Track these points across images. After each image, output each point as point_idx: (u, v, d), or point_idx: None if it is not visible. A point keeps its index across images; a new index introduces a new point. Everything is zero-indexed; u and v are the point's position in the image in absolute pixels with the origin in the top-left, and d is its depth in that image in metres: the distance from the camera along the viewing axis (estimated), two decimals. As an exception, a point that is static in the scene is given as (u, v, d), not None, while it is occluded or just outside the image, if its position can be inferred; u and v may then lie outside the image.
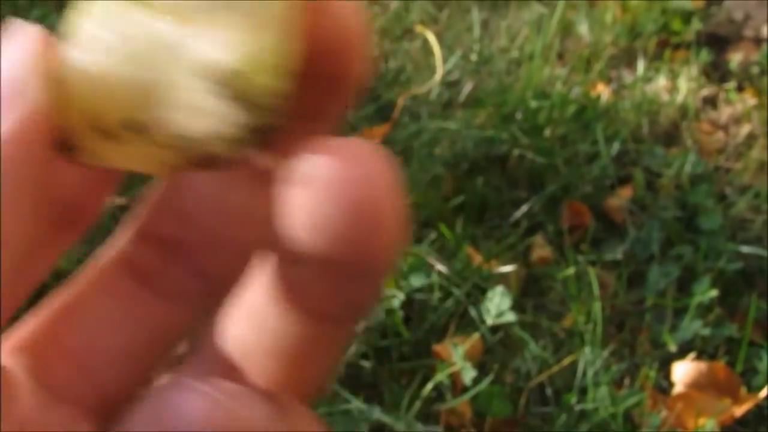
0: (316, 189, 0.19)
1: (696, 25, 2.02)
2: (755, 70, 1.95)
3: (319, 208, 0.19)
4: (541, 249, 1.42)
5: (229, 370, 0.22)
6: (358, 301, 0.21)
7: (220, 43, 0.19)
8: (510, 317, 1.22)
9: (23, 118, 0.19)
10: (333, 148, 0.19)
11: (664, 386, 1.24)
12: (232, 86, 0.19)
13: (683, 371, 1.16)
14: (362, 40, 0.21)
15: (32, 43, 0.20)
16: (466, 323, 1.28)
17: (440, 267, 1.30)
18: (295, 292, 0.21)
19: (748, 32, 2.24)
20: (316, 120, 0.22)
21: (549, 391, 1.22)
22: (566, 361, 1.23)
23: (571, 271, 1.32)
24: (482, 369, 1.23)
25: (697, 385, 1.14)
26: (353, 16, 0.21)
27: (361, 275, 0.20)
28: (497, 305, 1.23)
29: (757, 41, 2.14)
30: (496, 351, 1.25)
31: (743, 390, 1.20)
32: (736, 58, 2.00)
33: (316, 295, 0.21)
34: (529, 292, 1.37)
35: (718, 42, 2.16)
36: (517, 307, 1.31)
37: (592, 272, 1.32)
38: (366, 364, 1.23)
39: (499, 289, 1.24)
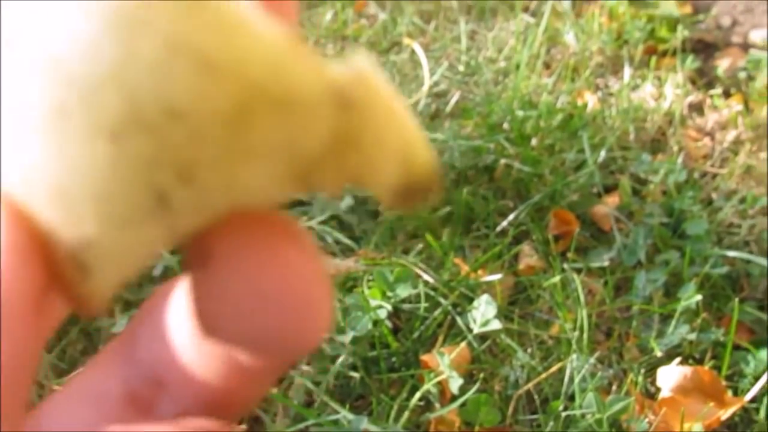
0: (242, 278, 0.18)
1: (683, 32, 2.03)
2: (742, 75, 1.96)
3: (244, 297, 0.18)
4: (528, 258, 1.43)
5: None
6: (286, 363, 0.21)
7: None
8: (495, 325, 1.23)
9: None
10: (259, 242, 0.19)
11: (651, 391, 1.25)
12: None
13: (668, 376, 1.17)
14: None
15: None
16: (455, 333, 1.29)
17: (427, 277, 1.31)
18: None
19: (736, 38, 2.25)
20: None
21: (537, 398, 1.23)
22: (554, 368, 1.24)
23: (556, 279, 1.33)
24: (471, 378, 1.24)
25: (682, 389, 1.15)
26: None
27: (286, 354, 0.20)
28: (483, 314, 1.23)
29: (745, 47, 2.16)
30: (484, 359, 1.26)
31: (729, 393, 1.21)
32: (723, 64, 2.01)
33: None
34: (518, 300, 1.38)
35: (705, 48, 2.17)
36: (505, 315, 1.32)
37: (578, 280, 1.33)
38: (355, 374, 1.24)
39: (484, 297, 1.25)
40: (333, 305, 0.19)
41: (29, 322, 0.18)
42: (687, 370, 1.16)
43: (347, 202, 1.49)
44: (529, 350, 1.28)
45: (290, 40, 0.18)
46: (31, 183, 0.17)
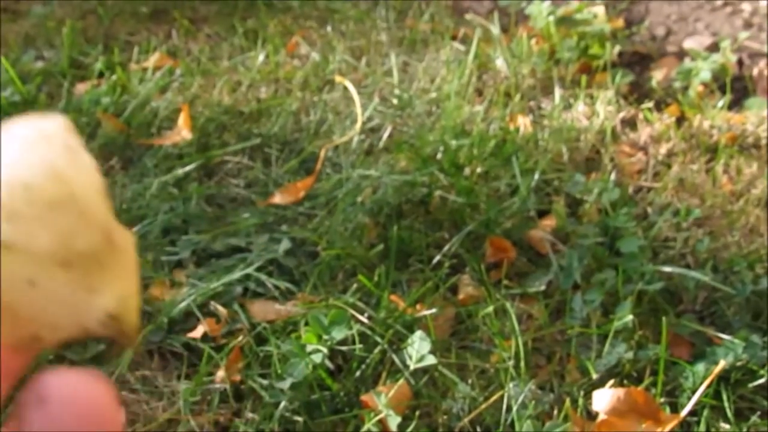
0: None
1: (615, 46, 2.05)
2: (677, 85, 1.98)
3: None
4: (467, 287, 1.44)
5: None
6: None
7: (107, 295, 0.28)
8: (431, 360, 1.24)
9: None
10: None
11: (594, 414, 1.25)
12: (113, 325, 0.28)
13: (602, 399, 1.18)
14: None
15: None
16: (396, 369, 1.29)
17: (362, 318, 1.32)
18: None
19: (671, 48, 2.28)
20: None
21: (479, 429, 1.23)
22: (493, 398, 1.24)
23: (490, 308, 1.34)
24: (415, 413, 1.24)
25: (617, 411, 1.16)
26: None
27: None
28: (417, 350, 1.24)
29: (681, 56, 2.18)
30: (425, 394, 1.27)
31: (667, 410, 1.22)
32: (657, 76, 2.03)
33: None
34: (459, 331, 1.39)
35: (642, 60, 2.20)
36: (446, 348, 1.33)
37: (510, 307, 1.34)
38: (298, 419, 1.25)
39: (418, 333, 1.26)
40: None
41: None
42: (620, 391, 1.17)
43: (285, 245, 1.49)
44: (470, 381, 1.29)
45: None
46: None
